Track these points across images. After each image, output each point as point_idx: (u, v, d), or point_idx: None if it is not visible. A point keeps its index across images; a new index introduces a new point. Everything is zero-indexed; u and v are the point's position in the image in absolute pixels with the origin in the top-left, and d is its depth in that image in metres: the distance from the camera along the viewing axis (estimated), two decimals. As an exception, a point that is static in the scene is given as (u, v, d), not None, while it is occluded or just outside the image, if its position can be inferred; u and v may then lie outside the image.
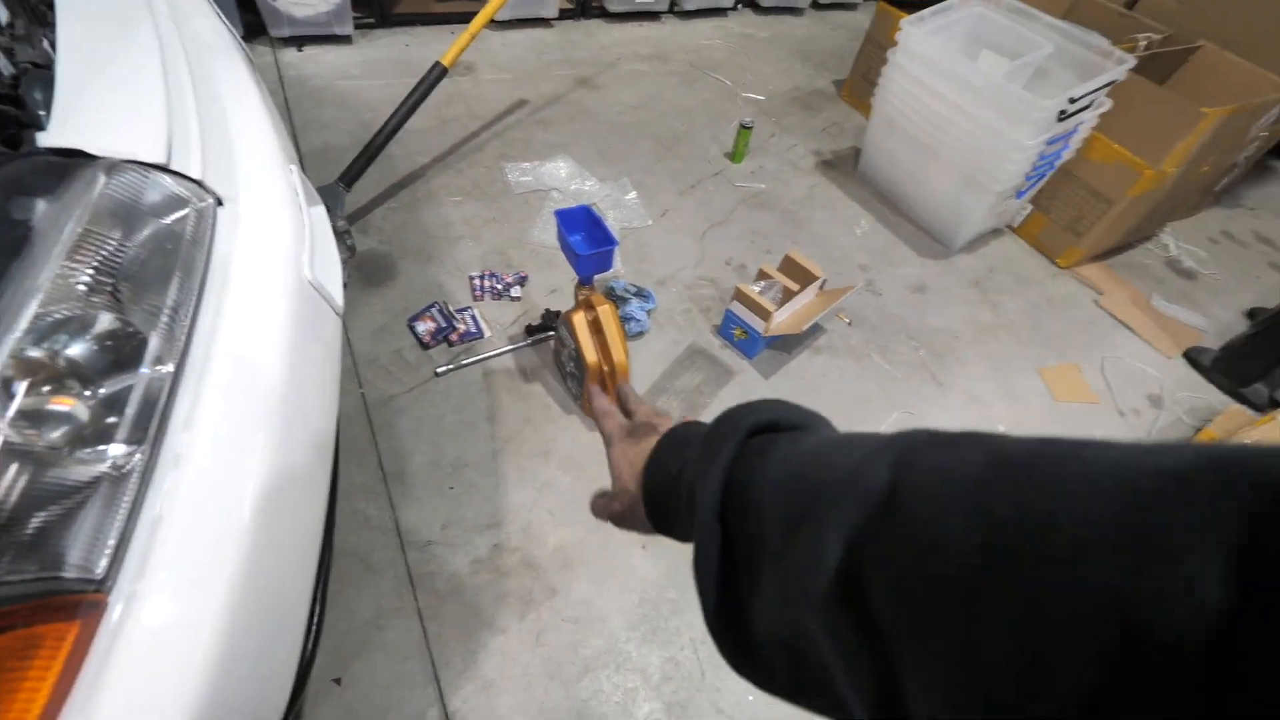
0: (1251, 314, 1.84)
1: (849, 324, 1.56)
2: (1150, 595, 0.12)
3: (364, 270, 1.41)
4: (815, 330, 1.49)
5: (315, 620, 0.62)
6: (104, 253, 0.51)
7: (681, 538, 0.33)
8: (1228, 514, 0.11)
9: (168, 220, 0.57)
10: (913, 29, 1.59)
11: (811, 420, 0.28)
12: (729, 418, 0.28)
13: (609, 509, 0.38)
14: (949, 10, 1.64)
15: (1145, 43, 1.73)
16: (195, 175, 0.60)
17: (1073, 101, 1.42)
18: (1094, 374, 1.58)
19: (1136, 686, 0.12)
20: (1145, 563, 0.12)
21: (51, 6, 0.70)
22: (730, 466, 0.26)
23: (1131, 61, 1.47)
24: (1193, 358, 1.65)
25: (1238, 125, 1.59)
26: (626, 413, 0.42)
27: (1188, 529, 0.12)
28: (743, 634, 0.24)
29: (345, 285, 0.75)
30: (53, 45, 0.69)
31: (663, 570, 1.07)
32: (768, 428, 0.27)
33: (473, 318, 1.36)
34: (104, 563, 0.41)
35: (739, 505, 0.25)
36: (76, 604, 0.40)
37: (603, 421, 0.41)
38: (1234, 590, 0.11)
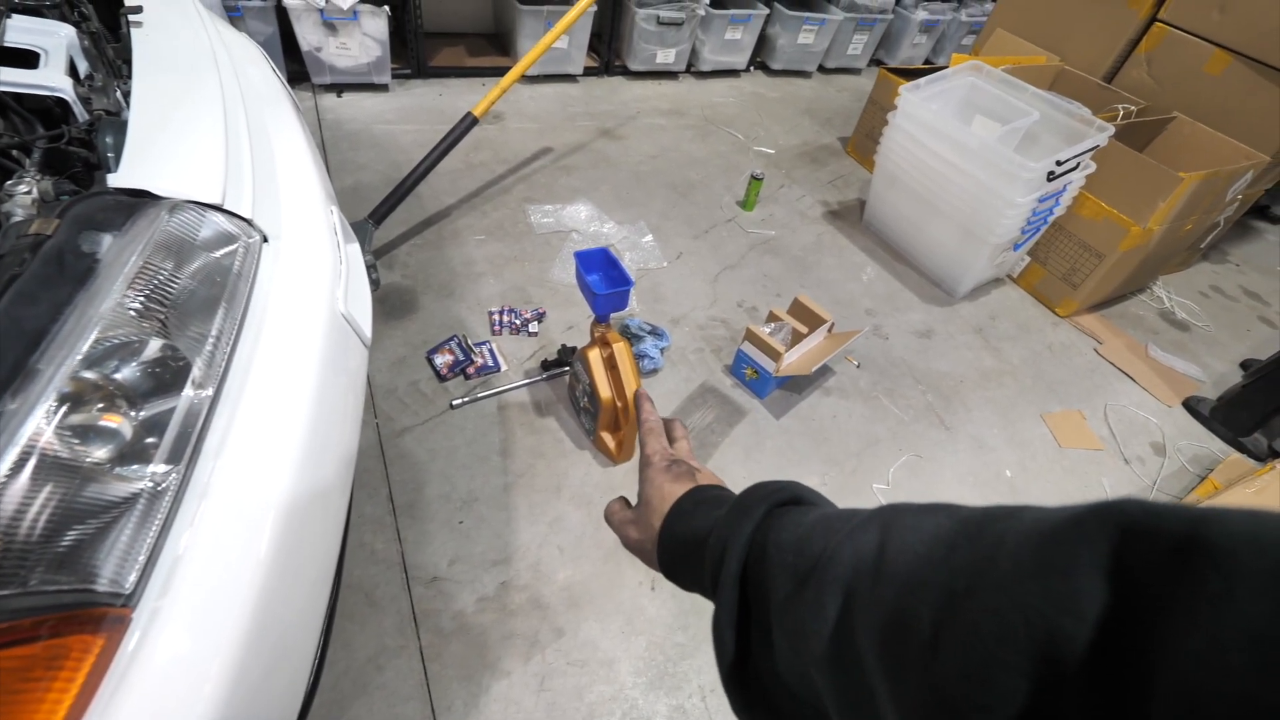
0: (1244, 366, 1.87)
1: (857, 366, 1.58)
2: (1055, 608, 0.15)
3: (386, 304, 1.45)
4: (825, 372, 1.52)
5: (320, 655, 0.61)
6: (158, 283, 0.53)
7: (685, 587, 0.34)
8: (1102, 546, 0.15)
9: (218, 254, 0.60)
10: (911, 95, 1.71)
11: (823, 501, 0.32)
12: (759, 490, 0.31)
13: (624, 530, 0.39)
14: (943, 79, 1.77)
15: (1123, 112, 1.85)
16: (246, 214, 0.64)
17: (1059, 164, 1.51)
18: (1097, 421, 1.59)
19: (1051, 681, 0.15)
20: (1052, 586, 0.15)
21: (129, 61, 0.77)
22: (754, 533, 0.29)
23: (1111, 129, 1.58)
24: (1192, 407, 1.67)
25: (1215, 188, 1.69)
26: (670, 438, 0.43)
27: (1077, 558, 0.15)
28: (756, 689, 0.27)
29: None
30: (125, 96, 0.75)
31: (671, 612, 1.04)
32: (788, 503, 0.31)
33: (490, 351, 1.38)
34: (133, 578, 0.42)
35: (756, 566, 0.28)
36: (102, 617, 0.40)
37: (647, 437, 0.41)
38: (1105, 598, 0.15)
